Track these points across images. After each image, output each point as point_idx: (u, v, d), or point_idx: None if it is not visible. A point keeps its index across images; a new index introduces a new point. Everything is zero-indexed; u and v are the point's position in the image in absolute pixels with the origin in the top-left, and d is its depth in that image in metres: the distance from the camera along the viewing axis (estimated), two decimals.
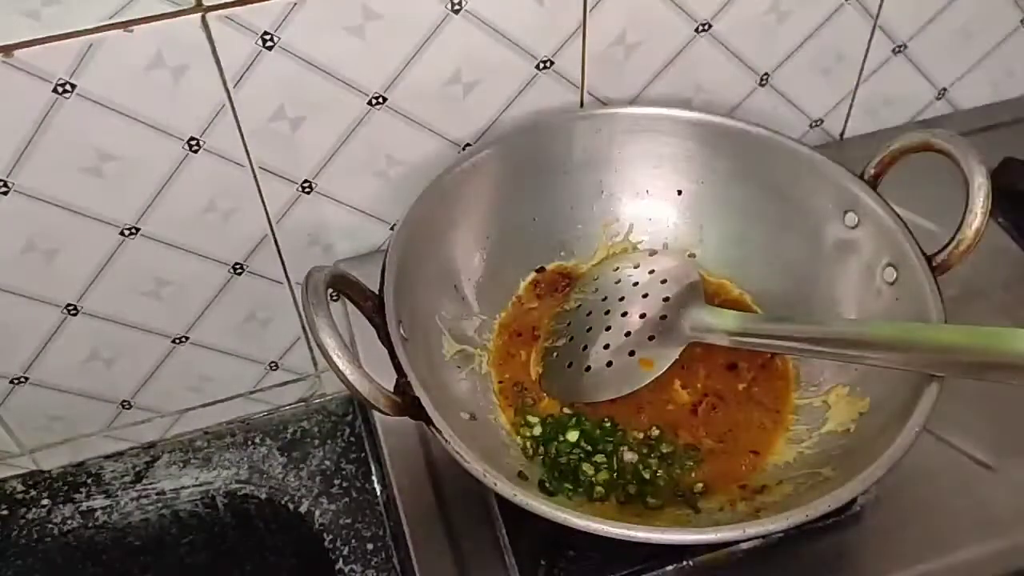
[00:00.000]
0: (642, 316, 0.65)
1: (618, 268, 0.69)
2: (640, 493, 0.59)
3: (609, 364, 0.64)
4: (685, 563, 0.59)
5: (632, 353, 0.64)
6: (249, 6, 0.59)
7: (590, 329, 0.66)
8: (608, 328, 0.65)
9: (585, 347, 0.65)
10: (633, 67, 0.74)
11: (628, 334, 0.64)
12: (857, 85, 0.83)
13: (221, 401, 0.85)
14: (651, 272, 0.68)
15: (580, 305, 0.68)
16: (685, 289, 0.66)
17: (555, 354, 0.66)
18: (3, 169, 0.61)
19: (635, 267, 0.69)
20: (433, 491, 0.63)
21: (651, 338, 0.64)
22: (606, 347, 0.64)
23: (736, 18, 0.73)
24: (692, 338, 0.63)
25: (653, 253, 0.71)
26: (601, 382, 0.63)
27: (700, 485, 0.59)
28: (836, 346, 0.57)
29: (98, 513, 0.80)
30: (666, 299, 0.66)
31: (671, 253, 0.71)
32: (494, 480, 0.49)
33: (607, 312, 0.66)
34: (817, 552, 0.59)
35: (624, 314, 0.66)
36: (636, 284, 0.67)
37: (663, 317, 0.65)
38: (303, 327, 0.81)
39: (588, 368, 0.64)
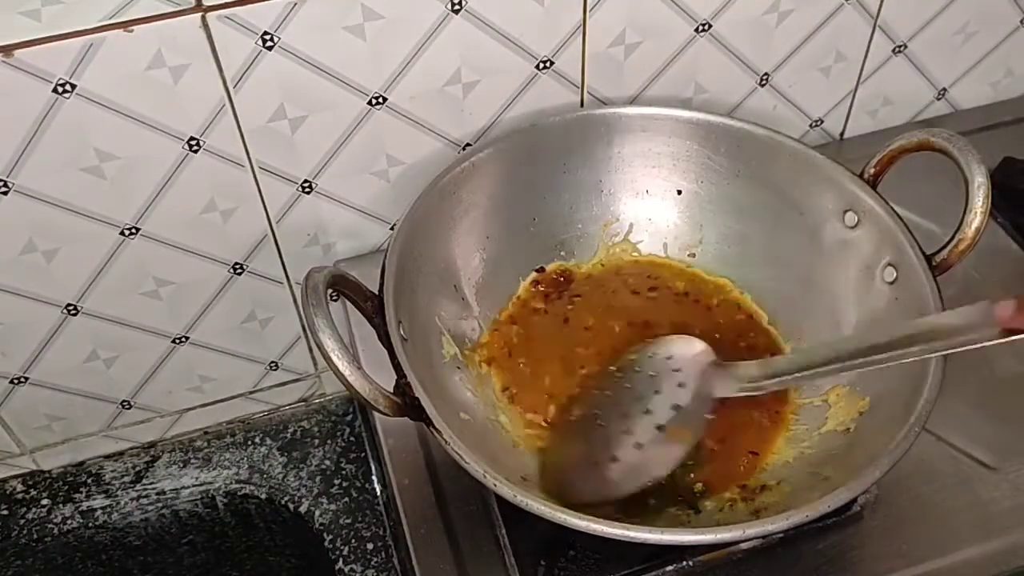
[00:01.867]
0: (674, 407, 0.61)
1: (621, 375, 0.65)
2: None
3: (639, 446, 0.59)
4: (685, 563, 0.59)
5: (661, 428, 0.59)
6: (249, 6, 0.59)
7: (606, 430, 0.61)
8: (626, 431, 0.60)
9: (607, 443, 0.60)
10: (633, 67, 0.74)
11: (650, 416, 0.61)
12: (857, 85, 0.83)
13: (221, 401, 0.85)
14: (667, 358, 0.64)
15: (590, 414, 0.63)
16: (698, 368, 0.62)
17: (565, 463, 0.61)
18: (3, 169, 0.61)
19: (641, 363, 0.65)
20: (433, 491, 0.63)
21: (676, 407, 0.60)
22: (626, 432, 0.60)
23: (736, 18, 0.73)
24: (721, 395, 0.60)
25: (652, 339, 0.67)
26: (632, 469, 0.58)
27: (700, 485, 0.59)
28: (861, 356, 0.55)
29: (98, 513, 0.80)
30: (681, 384, 0.62)
31: (674, 340, 0.66)
32: (494, 481, 0.49)
33: (624, 415, 0.61)
34: (817, 552, 0.59)
35: (646, 412, 0.61)
36: (653, 376, 0.63)
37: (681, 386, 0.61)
38: (303, 327, 0.81)
39: (614, 459, 0.59)
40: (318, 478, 0.81)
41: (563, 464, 0.60)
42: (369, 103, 0.67)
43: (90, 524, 0.80)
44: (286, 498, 0.80)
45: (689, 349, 0.64)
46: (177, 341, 0.77)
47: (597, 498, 0.57)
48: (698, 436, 0.59)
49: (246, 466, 0.82)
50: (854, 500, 0.58)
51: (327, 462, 0.82)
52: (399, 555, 0.75)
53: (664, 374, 0.62)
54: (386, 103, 0.68)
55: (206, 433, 0.85)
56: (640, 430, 0.59)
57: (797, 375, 0.58)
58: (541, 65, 0.70)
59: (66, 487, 0.81)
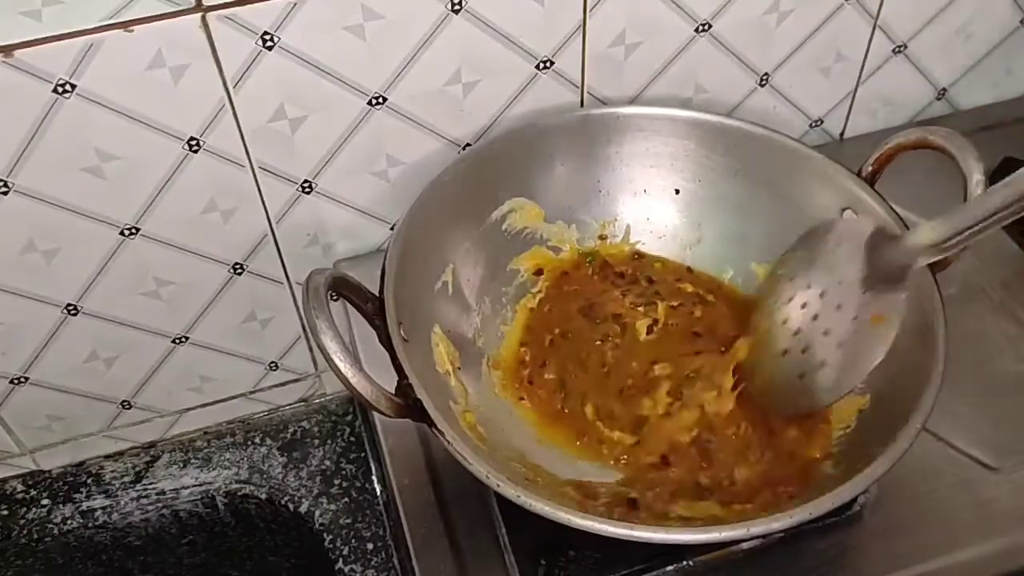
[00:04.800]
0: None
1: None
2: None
3: (840, 345, 0.58)
4: (685, 563, 0.59)
5: (855, 318, 0.57)
6: (249, 6, 0.59)
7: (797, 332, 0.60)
8: (825, 331, 0.59)
9: (805, 349, 0.59)
10: (633, 67, 0.74)
11: (840, 307, 0.59)
12: (857, 85, 0.83)
13: (221, 401, 0.85)
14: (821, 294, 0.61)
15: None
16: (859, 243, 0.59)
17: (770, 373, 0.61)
18: (3, 169, 0.61)
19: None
20: (433, 491, 0.64)
21: (864, 292, 0.58)
22: (825, 333, 0.58)
23: (736, 18, 0.73)
24: (909, 265, 0.56)
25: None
26: (841, 370, 0.57)
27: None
28: None
29: (98, 513, 0.80)
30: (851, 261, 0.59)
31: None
32: (497, 481, 0.49)
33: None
34: (817, 552, 0.59)
35: (837, 308, 0.59)
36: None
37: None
38: (303, 327, 0.81)
39: (823, 362, 0.58)
40: (318, 478, 0.81)
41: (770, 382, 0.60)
42: (369, 103, 0.67)
43: (90, 524, 0.80)
44: (286, 498, 0.80)
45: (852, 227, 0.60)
46: (177, 341, 0.77)
47: (813, 408, 0.58)
48: (901, 313, 0.56)
49: (246, 466, 0.82)
50: (854, 500, 0.58)
51: (327, 462, 0.82)
52: (399, 555, 0.75)
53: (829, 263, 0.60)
54: (386, 103, 0.68)
55: (206, 433, 0.85)
56: (838, 327, 0.58)
57: (974, 228, 0.52)
58: (541, 65, 0.70)
59: (66, 487, 0.81)
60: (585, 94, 0.74)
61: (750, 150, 0.68)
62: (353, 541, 0.77)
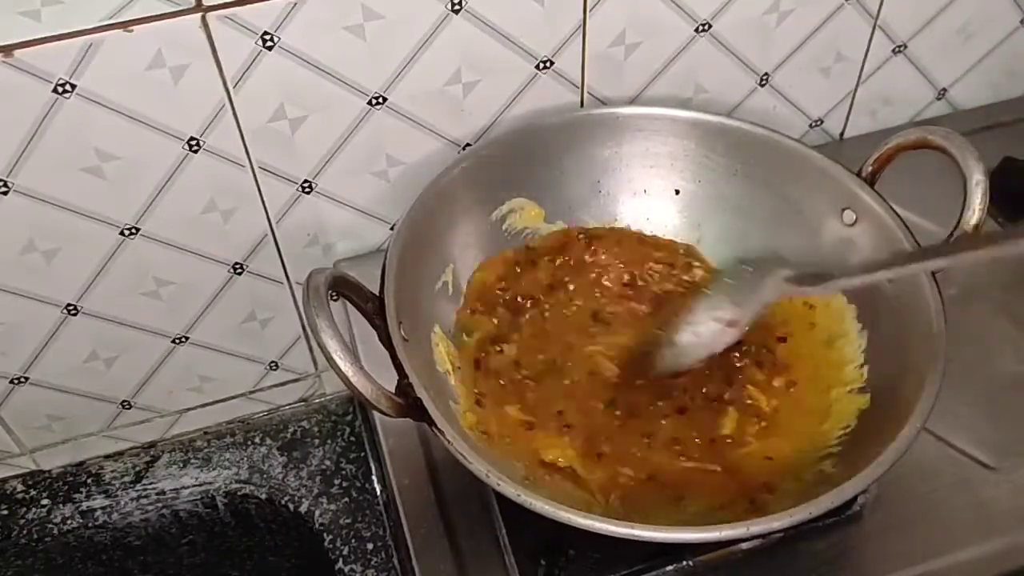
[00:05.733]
0: None
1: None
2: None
3: (696, 334, 0.64)
4: (685, 563, 0.59)
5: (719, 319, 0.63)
6: (249, 6, 0.59)
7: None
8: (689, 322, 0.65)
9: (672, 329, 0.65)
10: (633, 67, 0.74)
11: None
12: (857, 85, 0.83)
13: (221, 401, 0.85)
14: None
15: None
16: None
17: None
18: (3, 169, 0.61)
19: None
20: (433, 491, 0.64)
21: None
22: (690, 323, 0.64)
23: (736, 18, 0.73)
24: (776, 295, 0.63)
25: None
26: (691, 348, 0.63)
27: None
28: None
29: (98, 513, 0.80)
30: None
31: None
32: (497, 480, 0.49)
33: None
34: (817, 552, 0.59)
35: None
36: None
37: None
38: (303, 327, 0.81)
39: (672, 343, 0.64)
40: (318, 478, 0.81)
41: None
42: (369, 103, 0.67)
43: (90, 524, 0.80)
44: (286, 498, 0.80)
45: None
46: (177, 341, 0.77)
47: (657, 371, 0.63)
48: (749, 325, 0.62)
49: (246, 466, 0.82)
50: (854, 500, 0.58)
51: (327, 462, 0.82)
52: (399, 555, 0.75)
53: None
54: (386, 103, 0.68)
55: (206, 433, 0.85)
56: (702, 321, 0.63)
57: (849, 279, 0.59)
58: (541, 65, 0.70)
59: (66, 487, 0.81)
60: (585, 94, 0.74)
61: (750, 150, 0.68)
62: (353, 541, 0.77)
